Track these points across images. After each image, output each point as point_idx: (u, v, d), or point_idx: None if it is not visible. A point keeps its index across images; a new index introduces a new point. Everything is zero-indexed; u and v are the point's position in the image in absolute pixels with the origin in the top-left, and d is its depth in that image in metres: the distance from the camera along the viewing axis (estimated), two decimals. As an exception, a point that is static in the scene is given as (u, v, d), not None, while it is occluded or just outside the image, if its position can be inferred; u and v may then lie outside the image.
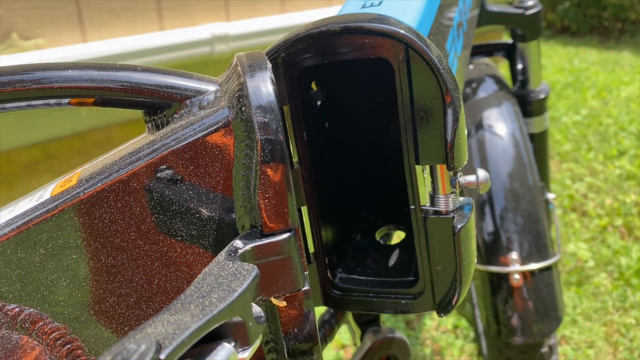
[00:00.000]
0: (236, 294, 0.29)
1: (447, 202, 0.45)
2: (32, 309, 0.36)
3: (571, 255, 1.99)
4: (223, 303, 0.28)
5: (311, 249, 0.51)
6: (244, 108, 0.35)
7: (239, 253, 0.34)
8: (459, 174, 0.46)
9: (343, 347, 1.65)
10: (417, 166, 0.44)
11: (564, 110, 3.29)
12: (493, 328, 1.05)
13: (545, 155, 1.27)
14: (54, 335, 0.36)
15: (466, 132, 0.43)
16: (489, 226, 1.06)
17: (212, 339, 0.29)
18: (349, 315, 0.71)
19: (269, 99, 0.34)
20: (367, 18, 0.42)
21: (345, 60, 0.44)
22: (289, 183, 0.35)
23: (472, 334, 1.66)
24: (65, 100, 0.37)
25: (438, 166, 0.44)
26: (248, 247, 0.35)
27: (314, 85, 0.52)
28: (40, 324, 0.36)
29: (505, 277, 1.02)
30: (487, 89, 1.20)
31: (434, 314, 1.74)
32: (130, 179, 0.35)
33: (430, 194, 0.46)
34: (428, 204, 0.46)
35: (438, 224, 0.45)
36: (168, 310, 0.28)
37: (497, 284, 1.03)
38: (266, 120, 0.34)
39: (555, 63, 4.32)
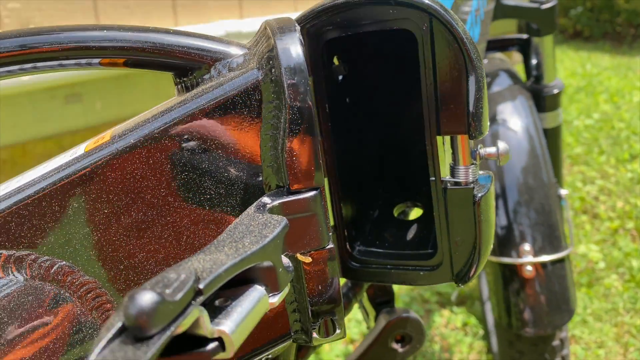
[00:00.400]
0: (268, 239, 0.30)
1: (467, 173, 0.46)
2: (64, 262, 0.37)
3: (582, 257, 1.98)
4: (256, 246, 0.29)
5: (330, 222, 0.52)
6: (273, 69, 0.36)
7: (267, 207, 0.35)
8: (479, 146, 0.47)
9: (352, 341, 1.66)
10: (438, 137, 0.45)
11: (576, 114, 3.28)
12: (504, 320, 1.05)
13: (559, 150, 1.27)
14: (84, 288, 0.37)
15: (487, 101, 0.44)
16: (502, 218, 1.06)
17: (244, 283, 0.30)
18: (364, 297, 0.71)
19: (298, 60, 0.35)
20: None
21: (367, 32, 0.45)
22: (316, 142, 0.36)
23: (481, 332, 1.66)
24: (96, 60, 0.39)
25: (459, 137, 0.45)
26: (276, 202, 0.36)
27: (335, 60, 0.53)
28: (72, 276, 0.37)
29: (518, 268, 1.02)
30: (502, 83, 1.21)
31: (444, 311, 1.74)
32: (162, 136, 0.36)
33: (450, 166, 0.47)
34: (448, 176, 0.47)
35: (458, 195, 0.45)
36: (203, 251, 0.29)
37: (510, 275, 1.04)
38: (295, 80, 0.35)
39: (567, 67, 4.31)
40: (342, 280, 0.57)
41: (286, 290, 0.32)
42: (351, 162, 0.54)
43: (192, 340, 0.26)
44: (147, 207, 0.37)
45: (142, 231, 0.37)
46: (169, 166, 0.37)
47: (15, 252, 0.36)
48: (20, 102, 1.67)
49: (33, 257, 0.37)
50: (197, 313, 0.24)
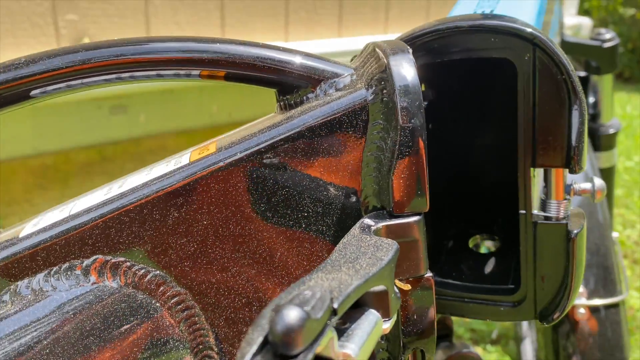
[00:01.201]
0: (385, 261, 0.29)
1: (559, 208, 0.44)
2: (157, 272, 0.37)
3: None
4: (375, 268, 0.28)
5: None
6: (385, 90, 0.36)
7: (372, 230, 0.34)
8: (572, 181, 0.45)
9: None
10: (531, 169, 0.44)
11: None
12: (552, 363, 1.01)
13: (612, 191, 1.24)
14: (175, 299, 0.37)
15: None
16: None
17: (356, 307, 0.29)
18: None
19: (412, 81, 0.35)
20: (493, 17, 0.43)
21: (461, 60, 0.44)
22: (424, 166, 0.35)
23: (517, 373, 1.60)
24: (196, 72, 0.39)
25: (554, 170, 0.44)
26: (380, 225, 0.35)
27: (422, 86, 0.52)
28: (164, 287, 0.37)
29: (570, 310, 0.99)
30: (557, 119, 1.19)
31: (477, 349, 1.69)
32: (268, 151, 0.36)
33: (541, 199, 0.45)
34: (537, 210, 0.45)
35: (550, 230, 0.44)
36: (319, 270, 0.28)
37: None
38: (409, 101, 0.35)
39: (606, 108, 4.24)
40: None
41: (395, 317, 0.31)
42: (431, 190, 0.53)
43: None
44: (246, 222, 0.37)
45: (238, 246, 0.37)
46: (271, 181, 0.36)
47: (112, 258, 0.36)
48: (68, 111, 1.71)
49: (128, 264, 0.36)
50: (331, 334, 0.23)
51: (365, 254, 0.30)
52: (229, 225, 0.37)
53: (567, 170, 0.43)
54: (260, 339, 0.21)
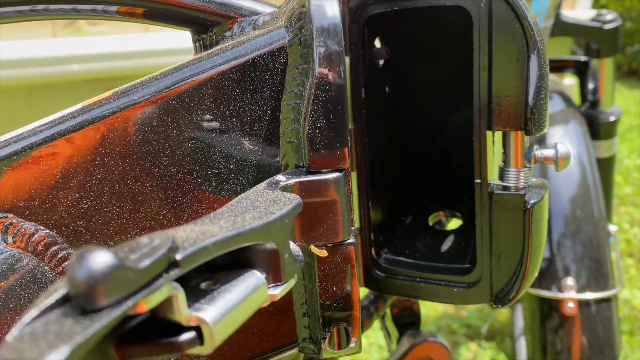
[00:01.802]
0: (275, 216, 0.25)
1: (518, 176, 0.40)
2: (47, 230, 0.33)
3: (625, 302, 1.85)
4: (258, 221, 0.24)
5: (356, 223, 0.46)
6: (303, 29, 0.31)
7: (280, 185, 0.30)
8: (534, 147, 0.40)
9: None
10: (488, 133, 0.39)
11: (627, 153, 3.14)
12: (539, 359, 0.96)
13: (611, 182, 1.18)
14: (63, 259, 0.33)
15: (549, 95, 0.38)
16: (544, 248, 0.98)
17: (241, 266, 0.25)
18: (387, 317, 0.65)
19: (333, 20, 0.30)
20: None
21: (415, 12, 0.40)
22: (344, 117, 0.30)
23: (510, 371, 1.55)
24: (114, 9, 0.34)
25: (512, 134, 0.39)
26: (291, 181, 0.30)
27: (377, 42, 0.47)
28: (54, 247, 0.33)
29: (558, 304, 0.94)
30: (554, 106, 1.13)
31: (471, 344, 1.64)
32: (170, 96, 0.32)
33: (500, 168, 0.40)
34: (496, 180, 0.41)
35: (506, 201, 0.39)
36: (194, 222, 0.24)
37: (548, 311, 0.95)
38: (327, 42, 0.30)
39: (620, 105, 4.15)
40: (364, 291, 0.50)
41: (292, 282, 0.26)
42: (385, 159, 0.48)
43: (166, 328, 0.21)
44: (146, 178, 0.32)
45: (138, 204, 0.33)
46: (174, 132, 0.32)
47: None
48: (63, 92, 1.68)
49: (15, 221, 0.32)
50: (169, 290, 0.19)
51: (257, 208, 0.26)
52: (127, 180, 0.32)
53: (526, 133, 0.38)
54: (62, 290, 0.17)
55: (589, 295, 0.93)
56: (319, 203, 0.31)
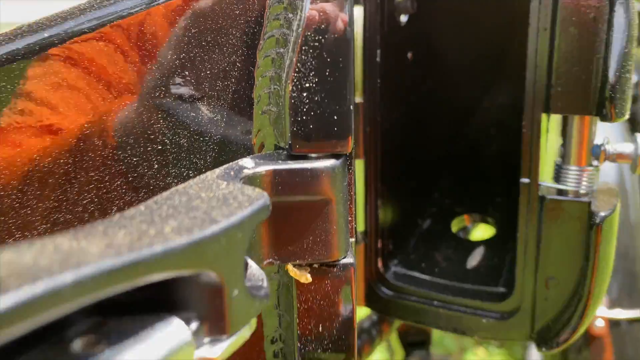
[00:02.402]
0: (215, 228, 0.15)
1: (580, 178, 0.29)
2: None
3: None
4: (181, 237, 0.14)
5: (360, 226, 0.36)
6: None
7: (242, 175, 0.20)
8: (605, 140, 0.30)
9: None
10: (543, 116, 0.29)
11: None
12: (559, 380, 0.86)
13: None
14: None
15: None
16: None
17: (159, 308, 0.15)
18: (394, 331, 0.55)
19: None
20: None
21: None
22: (348, 75, 0.20)
23: (520, 381, 1.45)
24: None
25: (576, 119, 0.29)
26: (260, 169, 0.20)
27: None
28: None
29: (585, 321, 0.83)
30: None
31: (478, 350, 1.55)
32: (115, 29, 0.21)
33: (556, 165, 0.30)
34: (549, 180, 0.30)
35: (564, 210, 0.29)
36: (82, 230, 0.14)
37: (573, 327, 0.85)
38: None
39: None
40: (367, 311, 0.40)
41: (245, 333, 0.16)
42: (400, 145, 0.38)
43: None
44: (58, 154, 0.22)
45: (47, 189, 0.23)
46: (101, 76, 0.22)
47: None
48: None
49: None
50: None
51: (193, 210, 0.16)
52: (30, 158, 0.22)
53: (597, 119, 0.28)
54: None
55: (621, 314, 0.83)
56: (304, 204, 0.21)
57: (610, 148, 0.30)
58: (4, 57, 0.19)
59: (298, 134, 0.20)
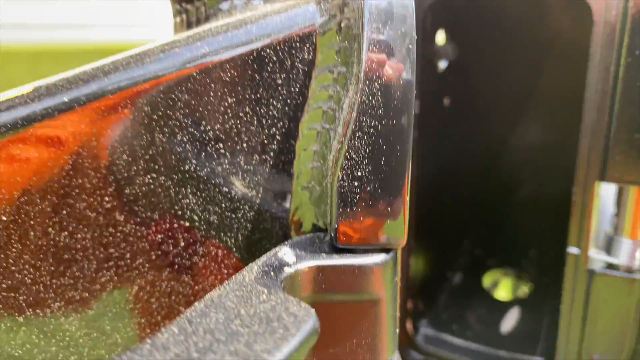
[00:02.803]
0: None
1: (634, 252, 0.27)
2: None
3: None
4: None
5: None
6: (346, 9, 0.19)
7: (283, 275, 0.17)
8: (663, 211, 0.28)
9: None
10: (596, 184, 0.27)
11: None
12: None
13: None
14: None
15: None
16: None
17: None
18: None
19: (403, 2, 0.18)
20: None
21: (500, 11, 0.27)
22: (406, 164, 0.18)
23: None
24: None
25: (634, 190, 0.26)
26: (303, 266, 0.18)
27: (440, 40, 0.35)
28: None
29: None
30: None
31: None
32: (126, 97, 0.19)
33: (607, 235, 0.28)
34: (599, 250, 0.28)
35: (615, 286, 0.27)
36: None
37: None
38: (390, 35, 0.17)
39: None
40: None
41: None
42: (434, 196, 0.36)
43: None
44: (75, 229, 0.20)
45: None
46: (125, 146, 0.20)
47: None
48: (69, 60, 1.58)
49: None
50: None
51: (232, 340, 0.13)
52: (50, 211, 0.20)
53: None
54: None
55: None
56: (348, 303, 0.18)
57: (670, 221, 0.27)
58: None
59: (346, 227, 0.18)
